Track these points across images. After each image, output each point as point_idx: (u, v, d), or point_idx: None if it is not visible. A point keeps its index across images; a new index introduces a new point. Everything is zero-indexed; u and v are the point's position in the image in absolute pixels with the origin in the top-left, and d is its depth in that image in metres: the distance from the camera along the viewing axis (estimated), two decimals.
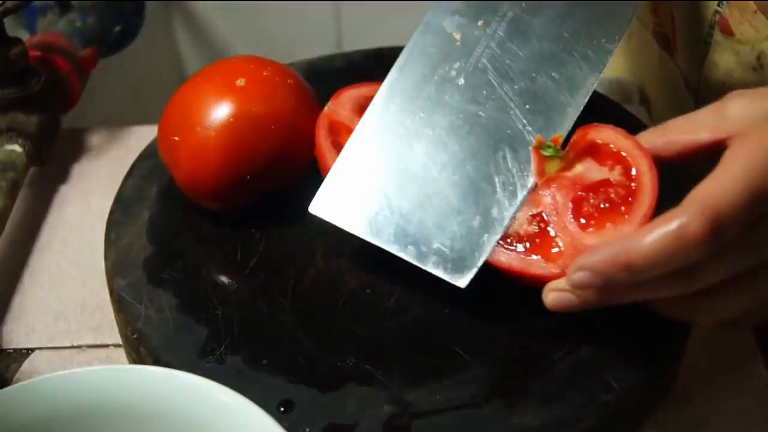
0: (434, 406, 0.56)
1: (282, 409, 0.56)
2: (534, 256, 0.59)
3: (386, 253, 0.65)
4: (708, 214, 0.50)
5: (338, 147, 0.65)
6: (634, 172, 0.59)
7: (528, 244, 0.60)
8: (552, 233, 0.60)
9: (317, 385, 0.57)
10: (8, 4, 0.74)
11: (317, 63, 0.84)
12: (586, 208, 0.60)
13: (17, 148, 0.77)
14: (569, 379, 0.57)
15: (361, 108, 0.68)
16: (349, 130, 0.67)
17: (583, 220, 0.59)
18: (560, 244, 0.59)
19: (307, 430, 0.55)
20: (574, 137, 0.62)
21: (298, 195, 0.69)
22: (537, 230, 0.60)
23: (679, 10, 0.72)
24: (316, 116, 0.67)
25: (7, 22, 0.76)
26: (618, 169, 0.60)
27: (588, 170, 0.61)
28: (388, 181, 0.63)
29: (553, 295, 0.57)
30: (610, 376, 0.57)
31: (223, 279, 0.64)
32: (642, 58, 0.85)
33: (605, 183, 0.60)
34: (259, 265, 0.65)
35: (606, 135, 0.61)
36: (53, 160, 0.86)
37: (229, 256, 0.66)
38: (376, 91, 0.69)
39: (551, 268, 0.58)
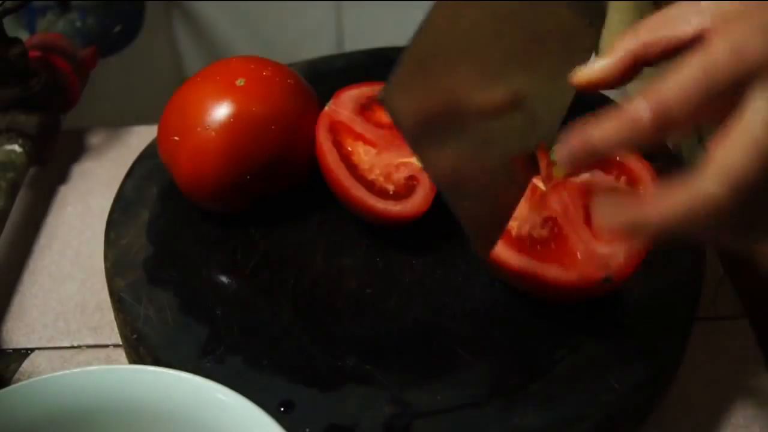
0: (435, 407, 0.56)
1: (282, 409, 0.56)
2: (549, 264, 0.59)
3: (387, 253, 0.65)
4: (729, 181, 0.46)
5: (339, 147, 0.65)
6: (640, 177, 0.59)
7: (540, 248, 0.60)
8: (566, 239, 0.60)
9: (318, 385, 0.57)
10: (8, 3, 0.74)
11: (318, 63, 0.84)
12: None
13: (17, 148, 0.77)
14: (570, 379, 0.57)
15: (361, 108, 0.68)
16: (350, 130, 0.67)
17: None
18: (576, 251, 0.59)
19: (308, 430, 0.55)
20: None
21: (298, 195, 0.69)
22: (549, 235, 0.60)
23: None
24: (317, 116, 0.67)
25: (7, 21, 0.76)
26: (623, 179, 0.60)
27: (594, 177, 0.61)
28: None
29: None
30: (611, 376, 0.57)
31: (224, 279, 0.64)
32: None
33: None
34: (259, 265, 0.65)
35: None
36: (53, 160, 0.85)
37: (230, 257, 0.66)
38: (375, 90, 0.69)
39: (568, 275, 0.58)
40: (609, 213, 0.49)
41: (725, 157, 0.46)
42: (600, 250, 0.58)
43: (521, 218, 0.61)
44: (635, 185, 0.60)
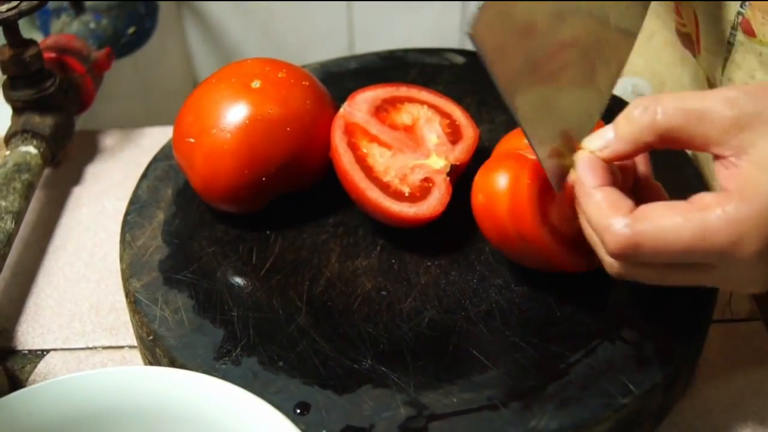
0: (451, 409, 0.56)
1: (298, 411, 0.56)
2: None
3: (402, 255, 0.65)
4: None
5: (354, 149, 0.65)
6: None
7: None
8: None
9: (333, 386, 0.57)
10: (23, 6, 0.74)
11: (330, 65, 0.84)
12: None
13: (32, 149, 0.77)
14: (586, 381, 0.57)
15: (376, 110, 0.68)
16: (365, 132, 0.66)
17: None
18: None
19: None
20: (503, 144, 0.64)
21: (313, 197, 0.69)
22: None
23: (701, 11, 0.72)
24: (332, 118, 0.67)
25: (22, 23, 0.76)
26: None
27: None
28: None
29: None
30: (627, 378, 0.57)
31: (239, 281, 0.64)
32: (663, 58, 0.85)
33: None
34: (274, 267, 0.65)
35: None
36: (67, 161, 0.86)
37: (245, 258, 0.66)
38: (390, 92, 0.69)
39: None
40: None
41: None
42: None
43: (567, 220, 0.59)
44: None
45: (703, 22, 0.73)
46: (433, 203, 0.64)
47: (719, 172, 0.51)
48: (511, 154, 0.61)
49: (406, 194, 0.64)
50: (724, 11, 0.68)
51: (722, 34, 0.65)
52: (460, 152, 0.68)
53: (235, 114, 0.65)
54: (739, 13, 0.66)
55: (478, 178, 0.61)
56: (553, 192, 0.57)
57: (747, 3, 0.66)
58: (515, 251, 0.62)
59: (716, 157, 0.51)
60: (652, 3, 0.70)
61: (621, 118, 0.53)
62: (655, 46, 0.87)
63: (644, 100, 0.52)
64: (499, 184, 0.59)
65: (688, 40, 0.77)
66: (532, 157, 0.58)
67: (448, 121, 0.69)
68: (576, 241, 0.58)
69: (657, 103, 0.52)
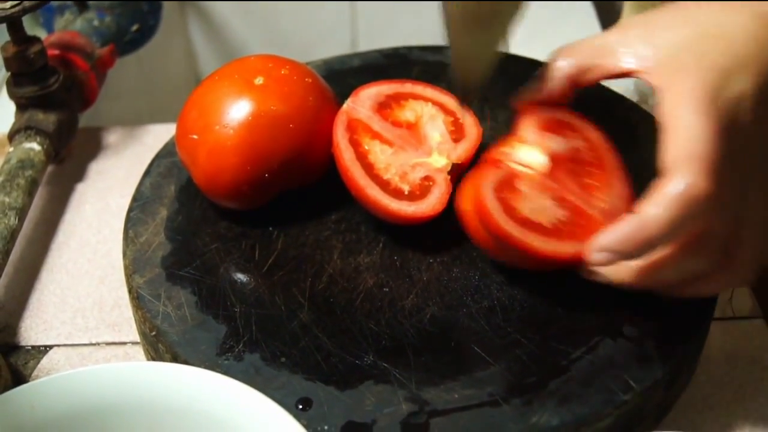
0: (452, 404, 0.56)
1: (300, 406, 0.56)
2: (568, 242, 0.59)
3: (404, 251, 0.66)
4: (701, 166, 0.51)
5: (355, 145, 0.66)
6: (588, 133, 0.63)
7: (569, 229, 0.60)
8: (582, 211, 0.61)
9: (335, 382, 0.58)
10: (26, 3, 0.74)
11: (334, 62, 0.84)
12: (586, 181, 0.62)
13: (35, 146, 0.77)
14: (588, 378, 0.57)
15: (380, 106, 0.68)
16: (367, 129, 0.67)
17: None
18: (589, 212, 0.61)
19: (326, 427, 0.55)
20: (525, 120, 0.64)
21: (316, 193, 0.69)
22: (569, 213, 0.61)
23: None
24: (335, 115, 0.67)
25: (25, 20, 0.77)
26: (576, 136, 0.63)
27: (558, 145, 0.63)
28: None
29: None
30: (628, 375, 0.57)
31: (241, 277, 0.64)
32: None
33: (577, 150, 0.62)
34: (276, 263, 0.65)
35: (553, 113, 0.64)
36: (71, 158, 0.86)
37: (247, 255, 0.66)
38: (394, 89, 0.69)
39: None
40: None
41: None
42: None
43: (538, 208, 0.61)
44: (590, 142, 0.63)
45: None
46: (433, 202, 0.64)
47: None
48: (482, 163, 0.64)
49: (406, 192, 0.64)
50: None
51: None
52: (463, 151, 0.68)
53: (238, 110, 0.65)
54: None
55: (457, 192, 0.64)
56: (519, 185, 0.61)
57: None
58: (501, 255, 0.63)
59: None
60: None
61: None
62: None
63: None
64: (465, 194, 0.63)
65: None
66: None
67: (452, 118, 0.69)
68: (559, 228, 0.60)
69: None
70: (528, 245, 0.59)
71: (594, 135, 0.63)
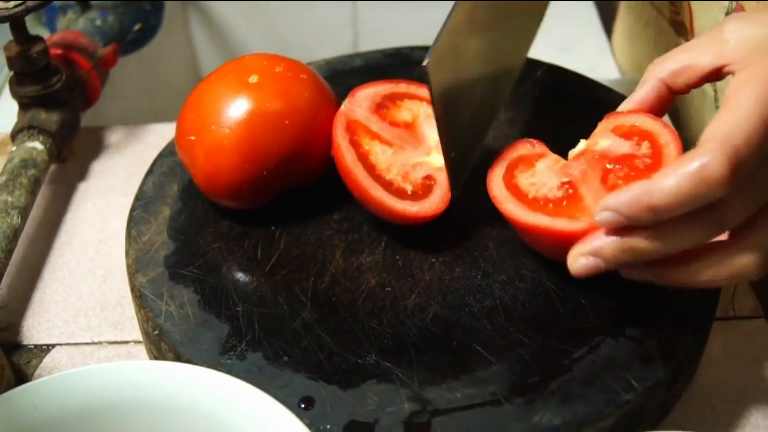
0: (454, 404, 0.56)
1: (303, 405, 0.56)
2: (560, 219, 0.60)
3: (406, 251, 0.66)
4: (727, 150, 0.50)
5: (356, 146, 0.66)
6: (662, 141, 0.60)
7: (552, 206, 0.61)
8: (580, 198, 0.60)
9: (338, 381, 0.58)
10: (29, 2, 0.74)
11: (335, 62, 0.84)
12: (612, 180, 0.60)
13: (38, 145, 0.78)
14: (589, 377, 0.57)
15: (377, 107, 0.68)
16: (366, 129, 0.67)
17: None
18: (587, 202, 0.60)
19: (328, 426, 0.55)
20: (601, 123, 0.63)
21: (317, 192, 0.70)
22: (563, 195, 0.61)
23: None
24: (333, 111, 0.67)
25: (28, 20, 0.77)
26: (645, 144, 0.60)
27: (614, 145, 0.61)
28: None
29: (582, 261, 0.57)
30: (630, 374, 0.57)
31: (244, 276, 0.65)
32: (659, 46, 0.85)
33: (631, 156, 0.60)
34: (279, 262, 0.65)
35: (632, 118, 0.61)
36: (73, 157, 0.86)
37: (250, 254, 0.66)
38: (390, 89, 0.69)
39: (577, 224, 0.59)
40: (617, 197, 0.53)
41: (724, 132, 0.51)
42: None
43: (539, 183, 0.62)
44: (658, 152, 0.60)
45: (697, 10, 0.73)
46: (436, 201, 0.64)
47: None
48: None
49: (409, 192, 0.64)
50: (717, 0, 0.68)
51: (716, 21, 0.66)
52: None
53: (233, 110, 0.65)
54: None
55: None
56: (537, 162, 0.64)
57: None
58: (530, 242, 0.64)
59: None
60: None
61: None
62: (650, 34, 0.87)
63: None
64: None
65: (682, 28, 0.77)
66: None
67: None
68: (542, 204, 0.61)
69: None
70: (503, 207, 0.62)
71: (667, 150, 0.60)
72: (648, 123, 0.61)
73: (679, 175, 0.51)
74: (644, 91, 0.60)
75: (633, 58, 0.94)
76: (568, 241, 0.59)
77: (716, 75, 0.57)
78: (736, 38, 0.56)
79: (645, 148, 0.60)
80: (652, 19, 0.86)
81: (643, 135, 0.60)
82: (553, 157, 0.64)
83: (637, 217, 0.53)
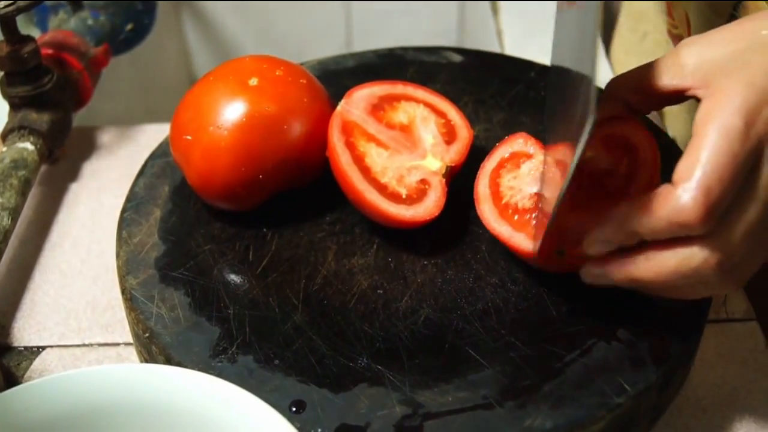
0: (446, 407, 0.56)
1: (294, 409, 0.56)
2: (519, 234, 0.62)
3: (398, 253, 0.66)
4: (701, 195, 0.50)
5: (351, 148, 0.65)
6: (642, 157, 0.60)
7: (518, 217, 0.62)
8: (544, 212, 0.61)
9: (329, 385, 0.57)
10: (20, 2, 0.74)
11: (328, 62, 0.84)
12: (581, 193, 0.61)
13: (29, 146, 0.77)
14: (581, 381, 0.57)
15: (373, 108, 0.68)
16: (362, 131, 0.66)
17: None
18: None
19: (319, 430, 0.55)
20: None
21: (310, 194, 0.69)
22: (531, 207, 0.62)
23: (693, 12, 0.72)
24: (329, 116, 0.67)
25: (19, 19, 0.76)
26: (625, 162, 0.61)
27: (595, 159, 0.62)
28: None
29: (590, 280, 0.58)
30: (622, 378, 0.57)
31: (235, 278, 0.64)
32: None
33: (608, 174, 0.61)
34: (270, 264, 0.65)
35: (623, 128, 0.62)
36: (64, 158, 0.86)
37: (241, 256, 0.66)
38: (386, 90, 0.69)
39: (526, 245, 0.61)
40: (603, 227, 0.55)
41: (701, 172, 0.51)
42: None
43: (516, 188, 0.64)
44: (638, 169, 0.60)
45: (695, 23, 0.73)
46: (430, 206, 0.64)
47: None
48: None
49: (403, 196, 0.64)
50: (717, 13, 0.68)
51: None
52: (455, 153, 0.67)
53: (232, 111, 0.65)
54: (732, 15, 0.67)
55: None
56: (523, 163, 0.65)
57: (740, 4, 0.66)
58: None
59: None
60: (644, 5, 0.70)
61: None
62: (647, 47, 0.87)
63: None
64: None
65: (680, 41, 0.77)
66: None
67: (443, 120, 0.69)
68: (510, 208, 0.63)
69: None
70: (478, 207, 0.64)
71: (643, 171, 0.61)
72: (638, 135, 0.61)
73: (654, 212, 0.52)
74: (609, 109, 0.61)
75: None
76: (524, 256, 0.62)
77: (677, 98, 0.58)
78: (692, 62, 0.56)
79: (624, 167, 0.61)
80: (649, 32, 0.86)
81: (626, 147, 0.61)
82: (538, 160, 0.64)
83: (625, 243, 0.55)
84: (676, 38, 0.78)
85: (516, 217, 0.62)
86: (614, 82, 0.60)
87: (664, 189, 0.52)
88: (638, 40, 0.88)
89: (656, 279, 0.54)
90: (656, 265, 0.54)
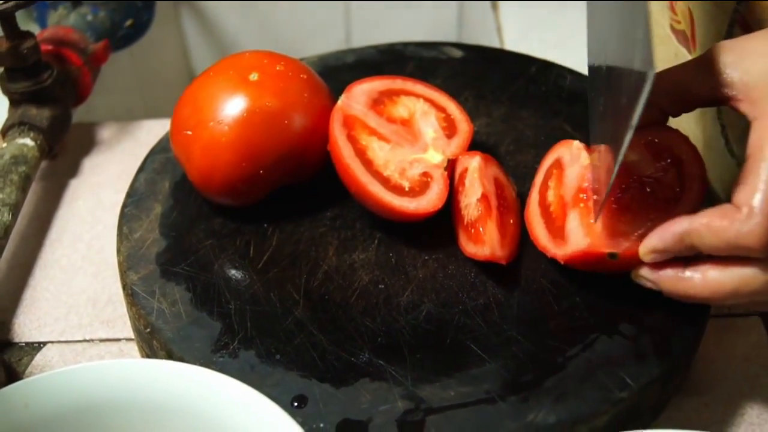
0: (448, 402, 0.56)
1: (296, 404, 0.56)
2: (553, 237, 0.63)
3: (399, 248, 0.65)
4: (764, 221, 0.51)
5: (353, 142, 0.65)
6: (689, 171, 0.60)
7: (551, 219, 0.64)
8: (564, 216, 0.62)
9: (331, 380, 0.57)
10: None
11: (329, 58, 0.83)
12: (629, 195, 0.61)
13: (29, 141, 0.77)
14: (584, 375, 0.57)
15: (373, 102, 0.68)
16: (363, 125, 0.66)
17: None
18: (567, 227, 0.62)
19: (321, 425, 0.55)
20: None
21: (311, 190, 0.69)
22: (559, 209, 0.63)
23: (697, 8, 0.72)
24: (330, 111, 0.67)
25: (19, 15, 0.76)
26: (672, 174, 0.60)
27: (642, 162, 0.61)
28: None
29: (642, 281, 0.59)
30: (624, 372, 0.57)
31: (236, 274, 0.64)
32: (658, 55, 0.84)
33: (655, 180, 0.61)
34: (271, 260, 0.65)
35: (668, 138, 0.61)
36: (64, 153, 0.86)
37: (242, 251, 0.66)
38: (386, 85, 0.69)
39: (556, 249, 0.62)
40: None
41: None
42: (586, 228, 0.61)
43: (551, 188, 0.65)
44: (686, 182, 0.60)
45: (698, 18, 0.72)
46: (433, 198, 0.64)
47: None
48: None
49: (406, 189, 0.64)
50: (721, 9, 0.68)
51: (719, 31, 0.66)
52: (456, 147, 0.67)
53: (232, 106, 0.65)
54: (736, 10, 0.66)
55: None
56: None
57: (744, 0, 0.66)
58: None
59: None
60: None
61: None
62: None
63: None
64: None
65: (683, 36, 0.77)
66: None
67: (443, 115, 0.69)
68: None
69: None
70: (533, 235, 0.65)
71: (692, 179, 0.61)
72: (683, 148, 0.61)
73: (719, 236, 0.53)
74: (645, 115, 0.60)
75: None
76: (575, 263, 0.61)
77: (712, 104, 0.58)
78: (735, 74, 0.55)
79: (671, 177, 0.60)
80: (651, 27, 0.85)
81: (673, 159, 0.61)
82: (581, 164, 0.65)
83: (679, 251, 0.56)
84: (679, 33, 0.78)
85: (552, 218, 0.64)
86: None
87: (727, 211, 0.53)
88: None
89: (712, 297, 0.56)
90: (714, 286, 0.55)
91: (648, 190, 0.60)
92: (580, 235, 0.60)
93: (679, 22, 0.77)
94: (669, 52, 0.81)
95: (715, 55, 0.57)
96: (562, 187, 0.64)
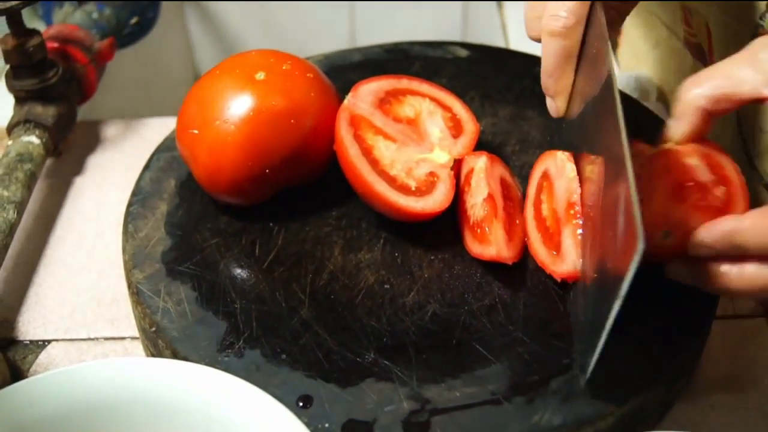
0: (454, 403, 0.56)
1: (301, 404, 0.56)
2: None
3: (405, 248, 0.65)
4: None
5: (360, 141, 0.65)
6: (734, 191, 0.60)
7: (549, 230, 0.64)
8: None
9: (336, 380, 0.57)
10: None
11: (334, 57, 0.83)
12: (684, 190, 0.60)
13: (34, 139, 0.77)
14: (590, 376, 0.57)
15: (380, 102, 0.68)
16: (370, 124, 0.66)
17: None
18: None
19: (326, 425, 0.55)
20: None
21: (316, 189, 0.69)
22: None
23: (714, 22, 0.71)
24: (336, 111, 0.67)
25: (24, 13, 0.76)
26: (721, 189, 0.60)
27: (698, 169, 0.61)
28: None
29: (678, 276, 0.59)
30: (629, 374, 0.57)
31: (242, 273, 0.64)
32: (671, 67, 0.84)
33: (706, 188, 0.60)
34: (277, 259, 0.65)
35: (721, 159, 0.61)
36: (69, 151, 0.86)
37: (248, 250, 0.66)
38: (392, 85, 0.69)
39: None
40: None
41: None
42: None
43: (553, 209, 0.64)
44: (732, 198, 0.60)
45: (716, 33, 0.72)
46: (440, 198, 0.64)
47: None
48: None
49: (413, 188, 0.64)
50: (742, 23, 0.67)
51: (739, 47, 0.66)
52: (462, 147, 0.67)
53: (239, 105, 0.64)
54: (758, 25, 0.66)
55: None
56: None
57: (767, 15, 0.65)
58: None
59: None
60: (657, 12, 0.69)
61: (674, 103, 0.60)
62: (661, 55, 0.86)
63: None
64: None
65: (699, 50, 0.77)
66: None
67: (449, 114, 0.69)
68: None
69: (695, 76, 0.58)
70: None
71: (737, 200, 0.60)
72: (732, 168, 0.61)
73: (761, 238, 0.54)
74: (693, 123, 0.59)
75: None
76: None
77: (755, 102, 0.57)
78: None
79: (720, 192, 0.60)
80: (662, 41, 0.85)
81: (724, 179, 0.60)
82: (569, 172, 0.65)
83: (726, 252, 0.56)
84: (694, 47, 0.78)
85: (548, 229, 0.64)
86: (690, 92, 0.59)
87: None
88: (649, 49, 0.87)
89: (748, 290, 0.56)
90: (751, 280, 0.55)
91: (699, 194, 0.60)
92: (575, 255, 0.60)
93: (694, 35, 0.77)
94: (685, 65, 0.80)
95: (755, 52, 0.57)
96: (554, 200, 0.64)
